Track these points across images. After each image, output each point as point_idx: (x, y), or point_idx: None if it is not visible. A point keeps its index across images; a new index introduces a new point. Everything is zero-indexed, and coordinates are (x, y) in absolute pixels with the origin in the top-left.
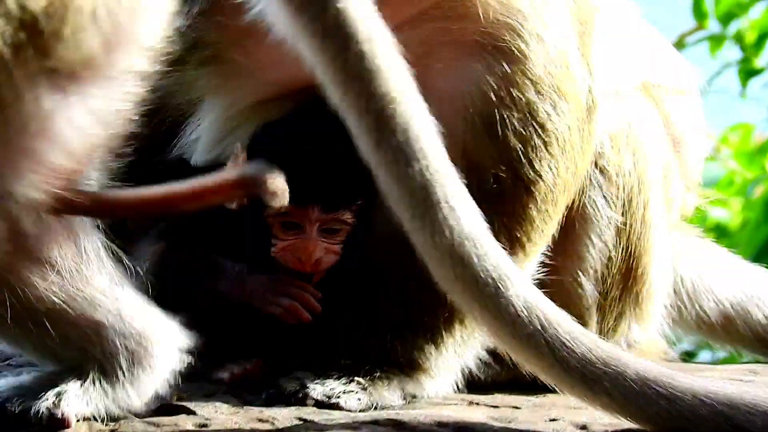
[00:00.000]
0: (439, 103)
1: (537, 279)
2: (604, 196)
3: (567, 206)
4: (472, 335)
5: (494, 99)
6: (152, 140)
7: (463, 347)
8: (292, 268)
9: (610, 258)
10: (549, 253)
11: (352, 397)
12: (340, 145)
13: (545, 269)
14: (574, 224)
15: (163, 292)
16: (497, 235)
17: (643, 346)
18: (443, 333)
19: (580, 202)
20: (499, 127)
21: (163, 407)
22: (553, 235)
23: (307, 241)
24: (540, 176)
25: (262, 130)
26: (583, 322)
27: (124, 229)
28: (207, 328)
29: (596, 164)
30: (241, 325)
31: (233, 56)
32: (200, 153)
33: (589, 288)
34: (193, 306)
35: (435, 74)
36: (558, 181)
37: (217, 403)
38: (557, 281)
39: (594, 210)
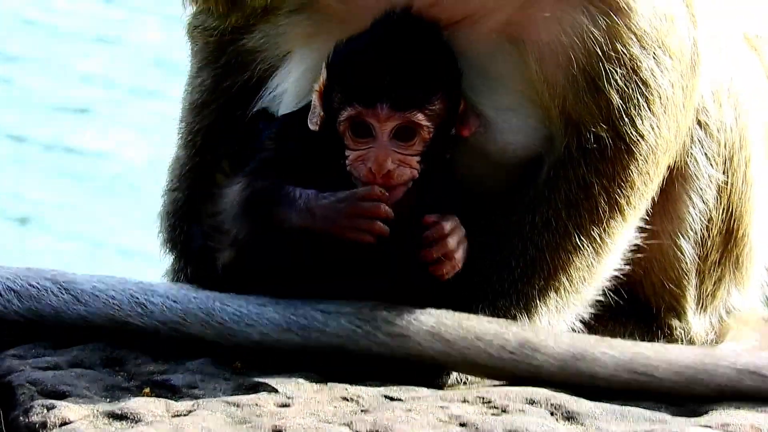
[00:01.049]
0: (540, 55)
1: (634, 245)
2: (705, 153)
3: (668, 167)
4: (567, 305)
5: (598, 53)
6: (239, 96)
7: (557, 318)
8: (364, 181)
9: (710, 219)
10: (647, 217)
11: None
12: (420, 48)
13: (643, 234)
14: (674, 184)
15: (248, 234)
16: (596, 198)
17: (743, 314)
18: (537, 302)
19: (680, 160)
20: (601, 83)
21: (243, 384)
22: (655, 199)
23: (378, 148)
24: (642, 136)
25: (340, 43)
26: (681, 287)
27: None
28: (287, 270)
29: (697, 119)
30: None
31: (328, 2)
32: (286, 105)
33: (688, 251)
34: (273, 246)
35: (537, 25)
36: (660, 142)
37: (300, 380)
38: (655, 246)
39: (695, 168)
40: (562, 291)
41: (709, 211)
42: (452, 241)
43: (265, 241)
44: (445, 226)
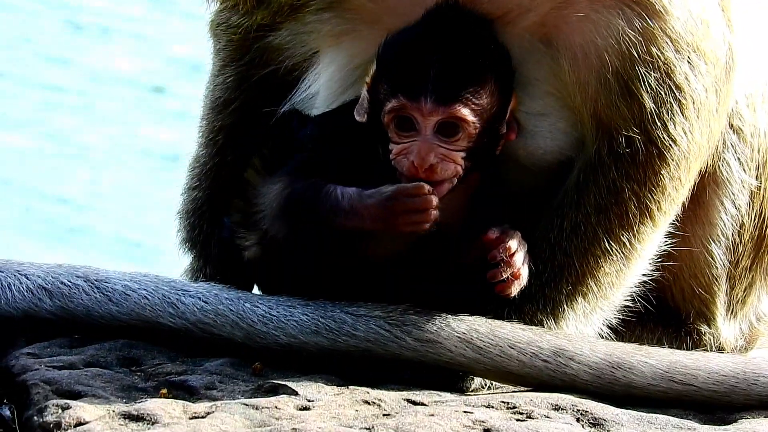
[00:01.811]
0: (573, 57)
1: (664, 250)
2: (738, 158)
3: (699, 172)
4: (595, 310)
5: (632, 56)
6: (263, 94)
7: (585, 323)
8: (407, 175)
9: (742, 224)
10: (677, 222)
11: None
12: (467, 42)
13: (673, 239)
14: (705, 188)
15: (287, 234)
16: (626, 203)
17: None
18: (564, 307)
19: (712, 164)
20: (634, 86)
21: (262, 386)
22: (685, 204)
23: (421, 142)
24: (674, 141)
25: (389, 36)
26: (711, 293)
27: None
28: (331, 274)
29: (730, 124)
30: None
31: (358, 1)
32: (320, 105)
33: (719, 256)
34: (313, 246)
35: (571, 26)
36: (692, 147)
37: (321, 383)
38: (685, 251)
39: (728, 173)
40: (590, 296)
41: (741, 216)
42: (519, 260)
43: (305, 240)
44: (511, 246)
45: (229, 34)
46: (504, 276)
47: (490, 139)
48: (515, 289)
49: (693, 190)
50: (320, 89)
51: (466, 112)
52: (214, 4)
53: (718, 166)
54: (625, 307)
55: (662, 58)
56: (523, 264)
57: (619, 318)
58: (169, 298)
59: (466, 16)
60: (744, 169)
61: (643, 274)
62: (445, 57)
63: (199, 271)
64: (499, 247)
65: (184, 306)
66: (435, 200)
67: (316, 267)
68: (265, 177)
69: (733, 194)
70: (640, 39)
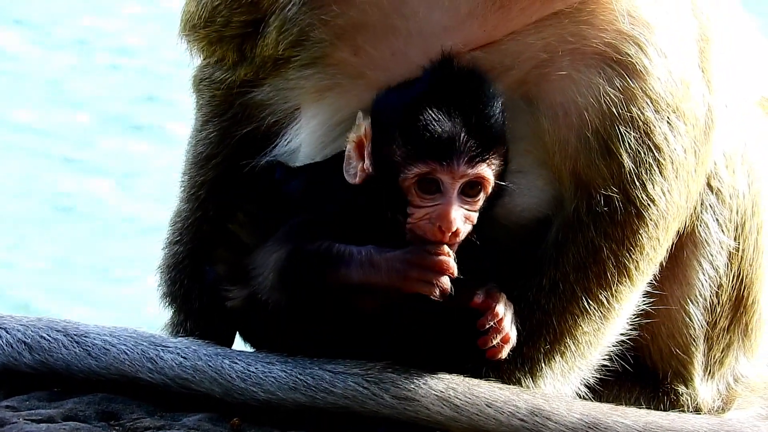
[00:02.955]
0: (554, 115)
1: (642, 309)
2: (717, 219)
3: (677, 232)
4: (573, 369)
5: (612, 115)
6: (245, 150)
7: (563, 382)
8: (429, 239)
9: (720, 285)
10: (655, 282)
11: None
12: (484, 99)
13: (651, 299)
14: (683, 248)
15: (292, 304)
16: (604, 262)
17: (751, 381)
18: (542, 366)
19: (690, 224)
20: (614, 146)
21: None
22: (663, 264)
23: (448, 205)
24: (653, 201)
25: (385, 94)
26: (689, 353)
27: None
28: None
29: (709, 184)
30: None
31: (342, 55)
32: (303, 159)
33: (697, 317)
34: (326, 311)
35: (552, 84)
36: (671, 207)
37: None
38: (663, 309)
39: (706, 233)
40: (568, 355)
41: (720, 277)
42: (507, 324)
43: (304, 307)
44: (499, 311)
45: (212, 89)
46: (494, 342)
47: (492, 198)
48: (505, 352)
49: (671, 250)
50: (302, 144)
51: (489, 172)
52: (198, 58)
53: (697, 226)
54: (603, 366)
55: (642, 118)
56: (511, 327)
57: (596, 377)
58: (149, 354)
59: (471, 74)
60: (722, 230)
61: (621, 333)
62: (470, 117)
63: (179, 326)
64: (488, 315)
65: (163, 361)
66: (453, 264)
67: (308, 326)
68: (251, 231)
69: (711, 255)
70: (621, 98)
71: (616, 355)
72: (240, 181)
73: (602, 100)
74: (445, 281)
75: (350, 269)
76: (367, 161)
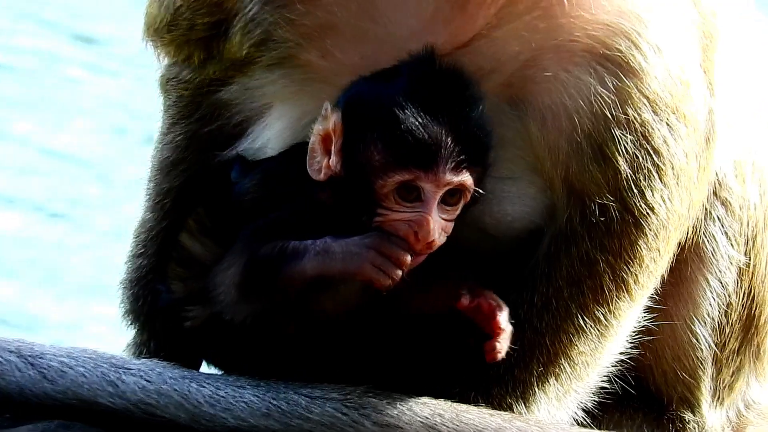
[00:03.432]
0: (542, 119)
1: (642, 326)
2: (725, 232)
3: (679, 244)
4: (569, 393)
5: (605, 117)
6: (213, 153)
7: (558, 407)
8: (400, 236)
9: (729, 304)
10: (657, 297)
11: None
12: (469, 102)
13: (653, 315)
14: (688, 264)
15: (256, 320)
16: (600, 276)
17: (763, 407)
18: (535, 390)
19: (695, 237)
20: (608, 150)
21: None
22: (663, 276)
23: (429, 214)
24: (652, 209)
25: (360, 86)
26: (696, 377)
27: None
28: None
29: (716, 195)
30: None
31: (309, 57)
32: None
33: (704, 338)
34: (292, 323)
35: (539, 86)
36: (671, 216)
37: None
38: (667, 328)
39: (713, 248)
40: (563, 377)
41: (729, 295)
42: (503, 321)
43: (269, 322)
44: (495, 313)
45: (179, 89)
46: (501, 349)
47: (468, 206)
48: (504, 349)
49: (674, 265)
50: (268, 144)
51: (471, 180)
52: (165, 58)
53: (703, 240)
54: (602, 388)
55: (639, 120)
56: (507, 322)
57: (595, 400)
58: (109, 377)
59: (454, 73)
60: (732, 244)
61: (621, 353)
62: (457, 121)
63: (143, 345)
64: (491, 324)
65: (124, 385)
66: (409, 261)
67: (276, 344)
68: (203, 242)
69: (720, 271)
70: (614, 99)
71: (617, 376)
72: (204, 188)
73: (593, 101)
74: (398, 273)
75: (305, 261)
76: (334, 158)
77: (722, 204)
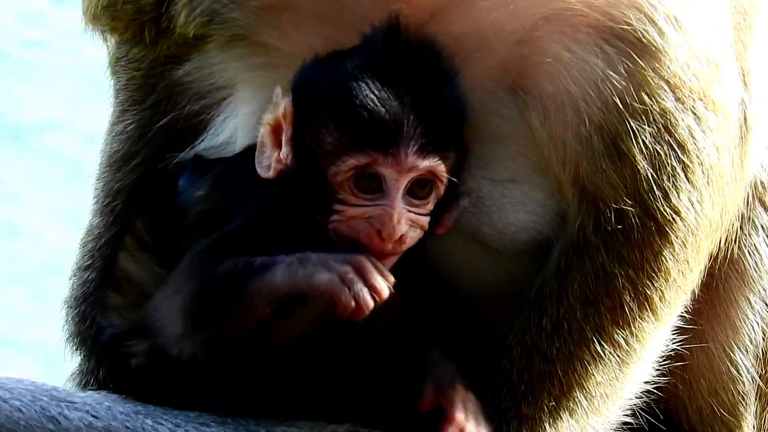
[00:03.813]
0: (544, 109)
1: (672, 350)
2: None
3: (712, 255)
4: (585, 430)
5: (617, 106)
6: (170, 146)
7: None
8: (366, 244)
9: None
10: (689, 319)
11: None
12: (438, 77)
13: (684, 339)
14: (726, 281)
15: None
16: (619, 294)
17: None
18: (546, 427)
19: (733, 250)
20: (624, 145)
21: None
22: (695, 293)
23: (392, 206)
24: (678, 213)
25: (311, 65)
26: (736, 414)
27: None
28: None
29: (759, 199)
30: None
31: (265, 38)
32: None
33: (745, 368)
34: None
35: (538, 69)
36: (701, 221)
37: None
38: (702, 357)
39: (755, 262)
40: (579, 412)
41: None
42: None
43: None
44: (458, 418)
45: (130, 69)
46: None
47: (442, 203)
48: None
49: (709, 281)
50: (234, 138)
51: (442, 167)
52: (111, 38)
53: (743, 253)
54: (625, 423)
55: (658, 109)
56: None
57: None
58: (49, 411)
59: (421, 43)
60: None
61: (646, 382)
62: (423, 96)
63: (90, 374)
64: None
65: (68, 421)
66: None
67: (233, 378)
68: (141, 259)
69: (764, 290)
70: (627, 84)
71: (643, 410)
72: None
73: (602, 87)
74: (369, 304)
75: (276, 274)
76: (285, 149)
77: (766, 210)
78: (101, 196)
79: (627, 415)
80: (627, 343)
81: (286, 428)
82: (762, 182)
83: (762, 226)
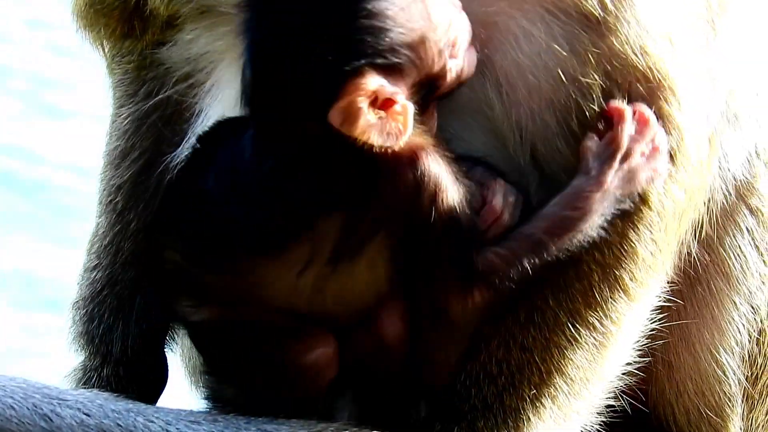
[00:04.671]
0: (496, 83)
1: (659, 352)
2: (756, 246)
3: (701, 261)
4: (568, 416)
5: (563, 83)
6: (165, 136)
7: None
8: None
9: (762, 330)
10: (675, 321)
11: None
12: None
13: (670, 339)
14: (711, 283)
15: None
16: (588, 276)
17: None
18: (529, 416)
19: (718, 252)
20: (575, 126)
21: None
22: (681, 292)
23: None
24: (640, 195)
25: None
26: (723, 416)
27: None
28: None
29: (744, 202)
30: None
31: (228, 8)
32: None
33: (732, 370)
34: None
35: (494, 42)
36: (665, 201)
37: None
38: (689, 359)
39: (742, 265)
40: (560, 398)
41: (761, 320)
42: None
43: None
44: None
45: (123, 64)
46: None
47: None
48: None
49: (695, 282)
50: (225, 103)
51: None
52: (105, 37)
53: (728, 255)
54: (609, 407)
55: (605, 87)
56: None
57: (602, 421)
58: (41, 409)
59: None
60: (764, 260)
61: (627, 363)
62: None
63: (93, 371)
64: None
65: (60, 419)
66: None
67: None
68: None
69: (750, 292)
70: (572, 59)
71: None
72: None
73: (549, 61)
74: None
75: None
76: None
77: (752, 213)
78: (104, 195)
79: (610, 398)
80: (602, 325)
81: (276, 426)
82: (745, 184)
83: (747, 228)
